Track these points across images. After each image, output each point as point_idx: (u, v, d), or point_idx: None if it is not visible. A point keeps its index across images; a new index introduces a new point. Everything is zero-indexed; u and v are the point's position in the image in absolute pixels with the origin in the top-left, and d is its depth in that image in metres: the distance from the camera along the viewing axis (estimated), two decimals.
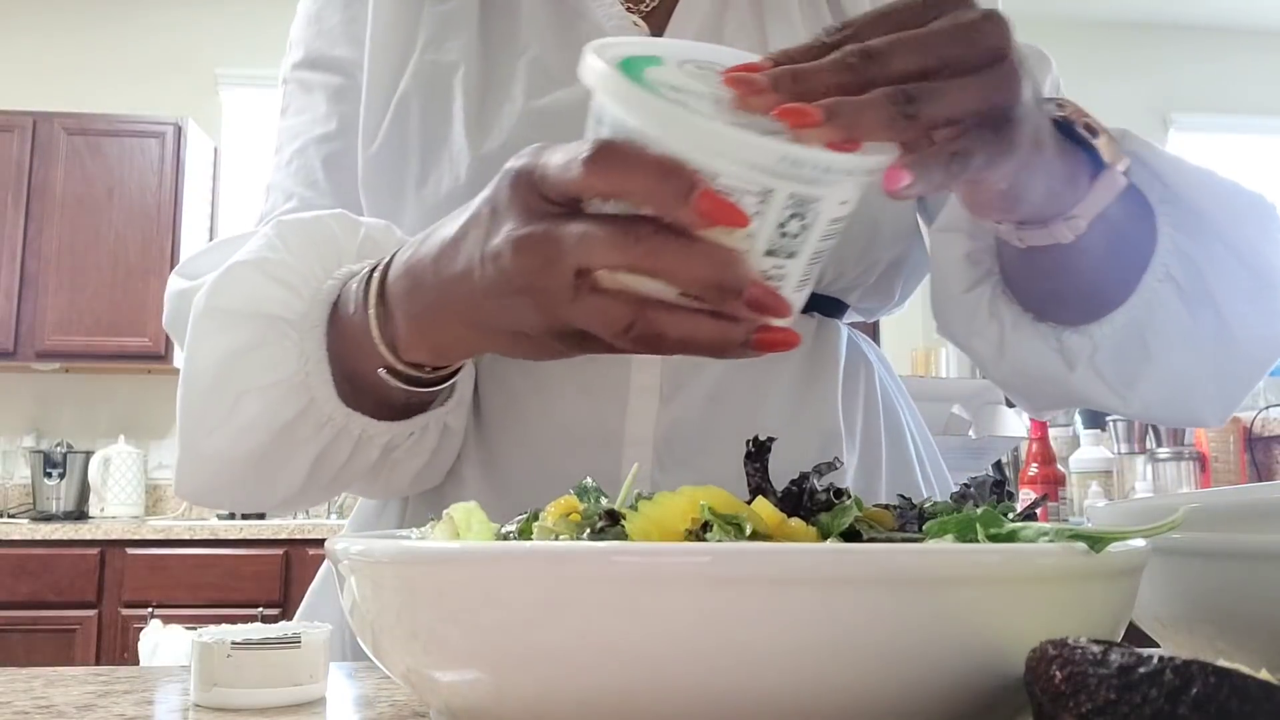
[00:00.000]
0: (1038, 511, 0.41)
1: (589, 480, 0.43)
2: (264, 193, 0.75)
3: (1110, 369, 0.62)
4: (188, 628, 2.66)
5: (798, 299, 0.40)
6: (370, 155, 0.69)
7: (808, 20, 0.72)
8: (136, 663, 2.83)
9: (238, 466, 0.60)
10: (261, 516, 3.44)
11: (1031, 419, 2.76)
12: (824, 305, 0.71)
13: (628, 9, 0.71)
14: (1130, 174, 0.55)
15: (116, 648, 3.16)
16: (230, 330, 0.58)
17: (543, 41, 0.70)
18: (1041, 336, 0.63)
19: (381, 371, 0.55)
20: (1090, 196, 0.52)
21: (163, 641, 2.72)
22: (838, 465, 0.40)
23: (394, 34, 0.71)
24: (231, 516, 3.71)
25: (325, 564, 0.79)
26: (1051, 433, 2.91)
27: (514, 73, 0.69)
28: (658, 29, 0.71)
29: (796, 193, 0.36)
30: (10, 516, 3.62)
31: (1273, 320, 0.61)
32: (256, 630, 0.48)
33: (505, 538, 0.39)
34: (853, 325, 0.76)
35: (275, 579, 3.20)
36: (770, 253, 0.37)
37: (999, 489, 0.40)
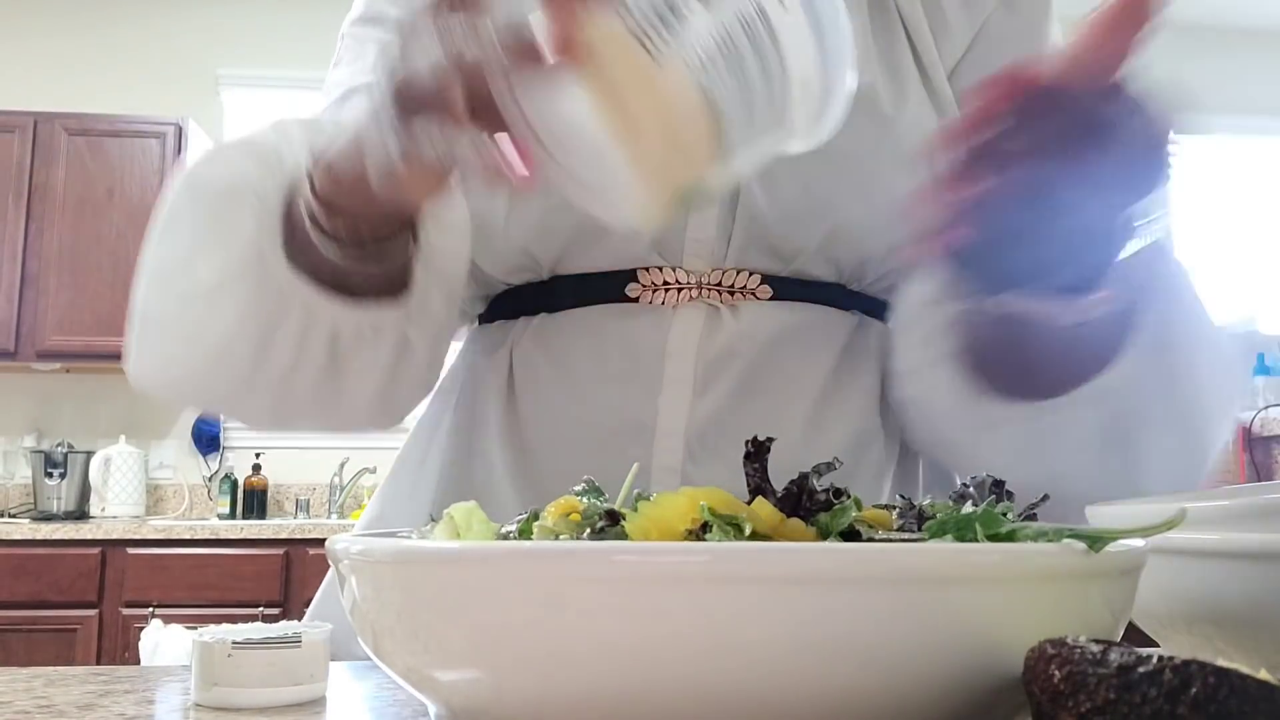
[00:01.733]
0: (1037, 512, 0.41)
1: (586, 482, 0.43)
2: None
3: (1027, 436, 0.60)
4: (188, 627, 2.67)
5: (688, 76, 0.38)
6: None
7: None
8: (137, 662, 2.84)
9: (190, 335, 0.60)
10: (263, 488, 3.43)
11: None
12: (865, 304, 0.71)
13: None
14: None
15: (117, 647, 3.16)
16: (201, 202, 0.59)
17: None
18: (960, 384, 0.62)
19: (306, 221, 0.55)
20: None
21: (163, 641, 2.72)
22: (837, 465, 0.40)
23: None
24: (232, 516, 3.71)
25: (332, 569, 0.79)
26: None
27: None
28: None
29: None
30: (11, 516, 3.62)
31: (1184, 481, 0.59)
32: (257, 630, 0.48)
33: (505, 537, 0.39)
34: None
35: (275, 579, 3.20)
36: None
37: (999, 489, 0.40)
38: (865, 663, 0.29)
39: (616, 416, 0.66)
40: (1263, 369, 2.96)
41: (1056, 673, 0.27)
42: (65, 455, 3.62)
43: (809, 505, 0.37)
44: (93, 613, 3.18)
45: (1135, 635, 0.39)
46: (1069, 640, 0.28)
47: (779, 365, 0.67)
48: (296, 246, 0.57)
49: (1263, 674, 0.25)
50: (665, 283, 0.67)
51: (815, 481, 0.37)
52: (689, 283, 0.67)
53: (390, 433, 0.80)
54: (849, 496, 0.37)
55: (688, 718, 0.30)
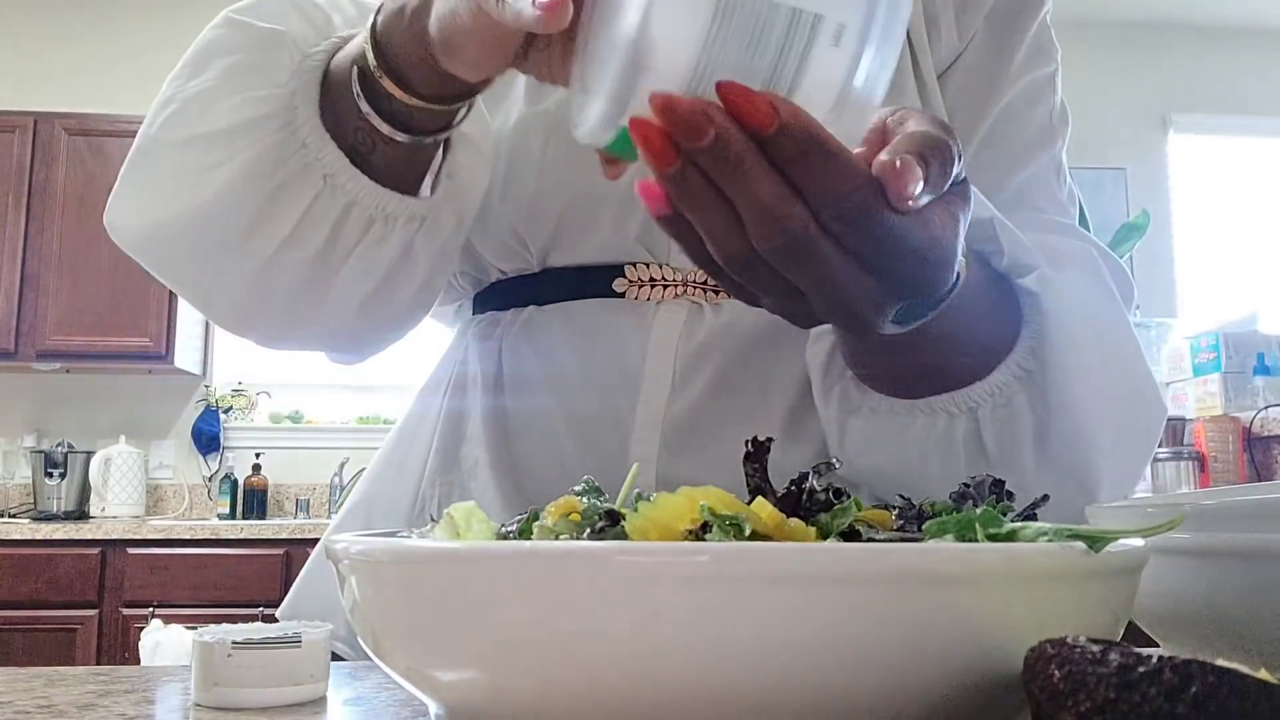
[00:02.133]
0: (1037, 512, 0.41)
1: (586, 481, 0.43)
2: None
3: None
4: (188, 627, 2.67)
5: None
6: None
7: None
8: (137, 662, 2.84)
9: (192, 177, 0.57)
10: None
11: None
12: None
13: None
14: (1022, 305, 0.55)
15: (117, 647, 3.16)
16: (238, 42, 0.58)
17: None
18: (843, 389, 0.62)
19: (354, 81, 0.54)
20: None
21: (163, 641, 2.72)
22: (836, 465, 0.40)
23: None
24: (232, 516, 3.71)
25: (310, 560, 0.79)
26: None
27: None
28: None
29: None
30: (11, 516, 3.62)
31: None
32: (257, 630, 0.48)
33: (505, 537, 0.39)
34: None
35: (275, 579, 3.20)
36: None
37: (999, 489, 0.40)
38: (865, 663, 0.29)
39: (596, 407, 0.68)
40: (1263, 369, 2.96)
41: (1056, 672, 0.27)
42: (65, 455, 3.62)
43: (809, 505, 0.37)
44: (93, 613, 3.18)
45: (1135, 635, 0.39)
46: (1069, 640, 0.28)
47: (758, 362, 0.68)
48: (337, 109, 0.56)
49: (1263, 674, 0.25)
50: (651, 279, 0.69)
51: (815, 481, 0.37)
52: (675, 280, 0.69)
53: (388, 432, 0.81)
54: (849, 496, 0.37)
55: (688, 718, 0.30)
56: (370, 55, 0.53)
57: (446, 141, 0.61)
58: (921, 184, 0.36)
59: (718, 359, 0.67)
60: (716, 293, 0.68)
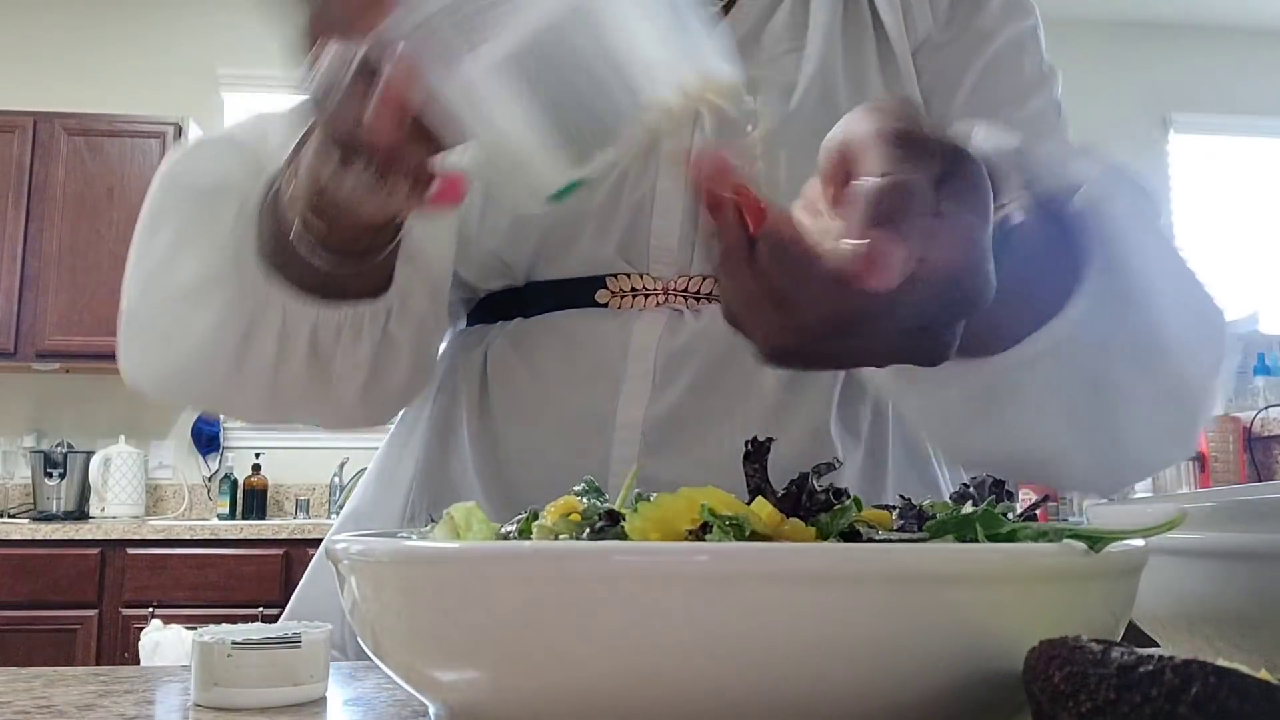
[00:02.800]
0: (1037, 513, 0.41)
1: (586, 481, 0.43)
2: None
3: (959, 404, 0.56)
4: (188, 627, 2.66)
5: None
6: None
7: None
8: (137, 662, 2.83)
9: (174, 334, 0.61)
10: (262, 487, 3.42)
11: None
12: None
13: None
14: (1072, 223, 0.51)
15: (117, 648, 3.16)
16: (184, 201, 0.61)
17: None
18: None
19: (296, 227, 0.54)
20: None
21: (163, 641, 2.72)
22: (836, 465, 0.40)
23: None
24: (232, 516, 3.71)
25: (314, 561, 0.80)
26: None
27: None
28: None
29: None
30: (10, 516, 3.62)
31: (1171, 436, 0.57)
32: (257, 630, 0.48)
33: (505, 537, 0.39)
34: None
35: (275, 579, 3.20)
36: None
37: (999, 489, 0.40)
38: (865, 662, 0.29)
39: (579, 410, 0.69)
40: (1263, 369, 2.96)
41: (1057, 673, 0.27)
42: (65, 455, 3.62)
43: (809, 505, 0.37)
44: (92, 613, 3.18)
45: (1135, 635, 0.39)
46: (1069, 640, 0.28)
47: (739, 364, 0.68)
48: (278, 245, 0.58)
49: (1263, 674, 0.25)
50: (633, 289, 0.70)
51: (815, 482, 0.37)
52: (656, 289, 0.70)
53: (387, 432, 0.81)
54: (849, 497, 0.37)
55: (688, 717, 0.30)
56: (286, 217, 0.54)
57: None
58: (895, 262, 0.35)
59: (698, 360, 0.68)
60: (698, 299, 0.69)
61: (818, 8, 0.73)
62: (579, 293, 0.71)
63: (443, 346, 0.81)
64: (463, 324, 0.79)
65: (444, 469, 0.74)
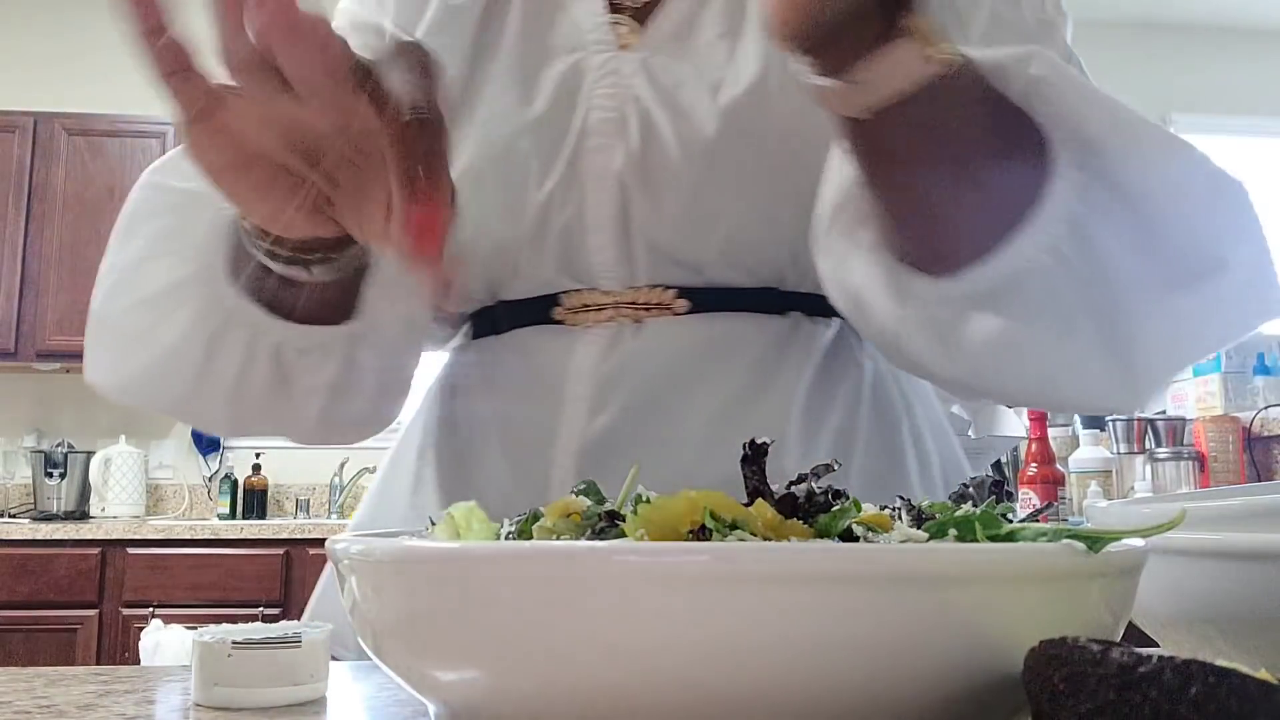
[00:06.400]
0: (1039, 517, 0.41)
1: (586, 483, 0.43)
2: None
3: (946, 320, 0.54)
4: (188, 627, 2.67)
5: None
6: None
7: None
8: (137, 662, 2.83)
9: (140, 339, 0.62)
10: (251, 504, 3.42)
11: (1030, 418, 2.75)
12: (806, 304, 0.70)
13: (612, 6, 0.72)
14: (1032, 106, 0.50)
15: (117, 647, 3.16)
16: (159, 208, 0.62)
17: (519, 50, 0.72)
18: (879, 263, 0.56)
19: (244, 232, 0.54)
20: (881, 64, 0.44)
21: (163, 641, 2.72)
22: (835, 467, 0.40)
23: (403, 9, 0.73)
24: (232, 516, 3.71)
25: (324, 574, 0.80)
26: (1051, 432, 2.91)
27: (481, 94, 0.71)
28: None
29: None
30: (11, 516, 3.62)
31: (1180, 323, 0.52)
32: (257, 630, 0.48)
33: (505, 537, 0.39)
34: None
35: (275, 579, 3.20)
36: None
37: (998, 489, 0.40)
38: (865, 663, 0.29)
39: (525, 431, 0.70)
40: (1263, 369, 2.96)
41: (1056, 673, 0.27)
42: (65, 455, 3.62)
43: (808, 507, 0.37)
44: (93, 613, 3.18)
45: (1135, 635, 0.39)
46: (1069, 640, 0.28)
47: (674, 386, 0.68)
48: (247, 257, 0.57)
49: (1263, 674, 0.25)
50: (585, 305, 0.70)
51: (814, 484, 0.37)
52: (606, 302, 0.70)
53: (390, 433, 0.82)
54: (848, 498, 0.37)
55: (688, 718, 0.30)
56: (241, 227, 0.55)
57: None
58: None
59: (633, 382, 0.68)
60: (647, 309, 0.69)
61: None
62: (536, 310, 0.71)
63: (444, 359, 0.82)
64: (458, 339, 0.80)
65: (430, 485, 0.75)
